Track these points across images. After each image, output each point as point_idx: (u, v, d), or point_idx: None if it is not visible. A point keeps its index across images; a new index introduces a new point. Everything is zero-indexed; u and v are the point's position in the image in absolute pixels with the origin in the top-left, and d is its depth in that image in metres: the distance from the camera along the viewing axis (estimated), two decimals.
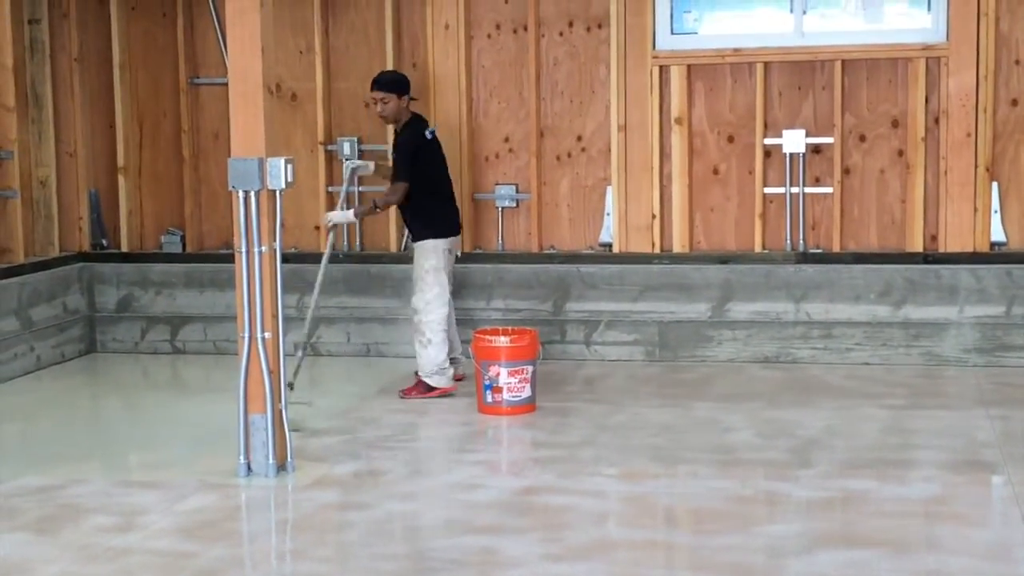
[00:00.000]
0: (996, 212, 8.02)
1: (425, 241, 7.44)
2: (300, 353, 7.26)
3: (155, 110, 9.07)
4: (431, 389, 7.36)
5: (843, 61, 8.09)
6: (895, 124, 8.15)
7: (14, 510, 5.54)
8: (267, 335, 5.85)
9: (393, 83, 7.48)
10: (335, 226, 7.57)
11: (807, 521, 5.25)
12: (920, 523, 5.26)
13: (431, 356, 7.33)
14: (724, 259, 8.27)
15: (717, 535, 5.11)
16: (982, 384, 7.52)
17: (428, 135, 7.46)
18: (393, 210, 8.57)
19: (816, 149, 8.24)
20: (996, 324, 7.94)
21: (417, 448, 6.42)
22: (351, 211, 7.63)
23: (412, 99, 7.57)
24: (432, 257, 7.40)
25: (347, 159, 8.28)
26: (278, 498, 5.75)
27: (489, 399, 7.05)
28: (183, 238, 9.05)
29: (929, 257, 8.04)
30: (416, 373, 7.47)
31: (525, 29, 8.48)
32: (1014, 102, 8.02)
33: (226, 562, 4.93)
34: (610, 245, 8.43)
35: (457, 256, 7.76)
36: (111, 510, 5.51)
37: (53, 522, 5.37)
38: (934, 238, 8.09)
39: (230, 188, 5.82)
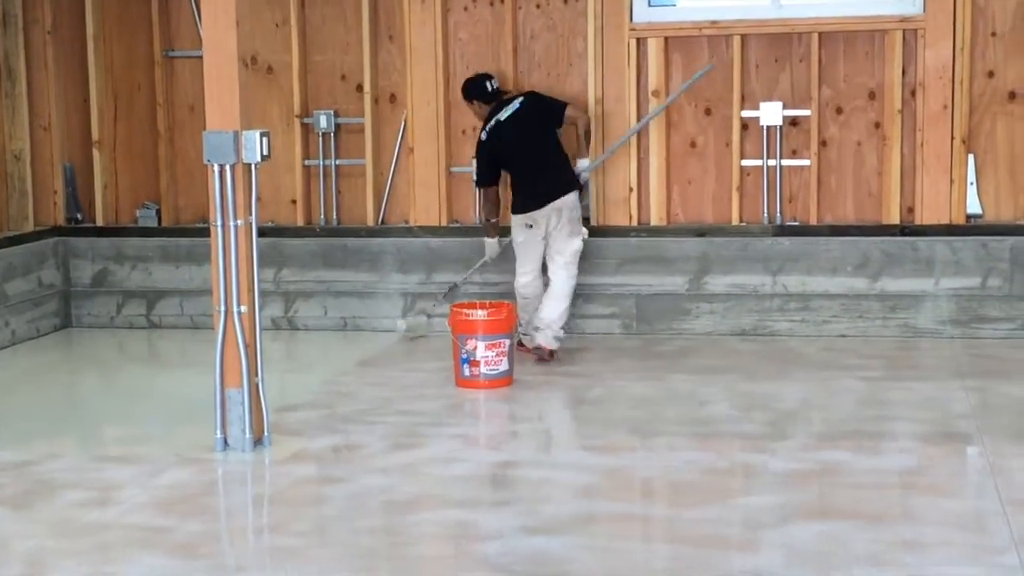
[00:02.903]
0: (972, 184, 8.03)
1: (512, 216, 7.81)
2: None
3: (130, 83, 9.01)
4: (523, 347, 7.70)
5: (820, 33, 8.08)
6: (872, 96, 8.15)
7: None
8: (243, 309, 5.84)
9: (462, 92, 7.99)
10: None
11: (784, 493, 5.26)
12: (896, 494, 5.29)
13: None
14: (701, 232, 8.27)
15: (694, 507, 5.13)
16: (958, 356, 7.55)
17: (484, 135, 7.69)
18: (369, 185, 8.57)
19: (793, 121, 8.24)
20: (972, 296, 7.97)
21: (394, 422, 6.41)
22: (492, 239, 8.11)
23: (491, 91, 7.85)
24: (513, 231, 7.76)
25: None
26: (255, 472, 5.74)
27: (466, 373, 7.04)
28: (159, 212, 8.99)
29: (906, 229, 8.06)
30: None
31: (502, 1, 8.43)
32: (990, 74, 8.02)
33: (203, 537, 4.92)
34: (588, 218, 8.41)
35: (583, 224, 7.81)
36: (87, 485, 5.49)
37: (29, 497, 5.35)
38: (910, 210, 8.11)
39: (205, 162, 5.78)
